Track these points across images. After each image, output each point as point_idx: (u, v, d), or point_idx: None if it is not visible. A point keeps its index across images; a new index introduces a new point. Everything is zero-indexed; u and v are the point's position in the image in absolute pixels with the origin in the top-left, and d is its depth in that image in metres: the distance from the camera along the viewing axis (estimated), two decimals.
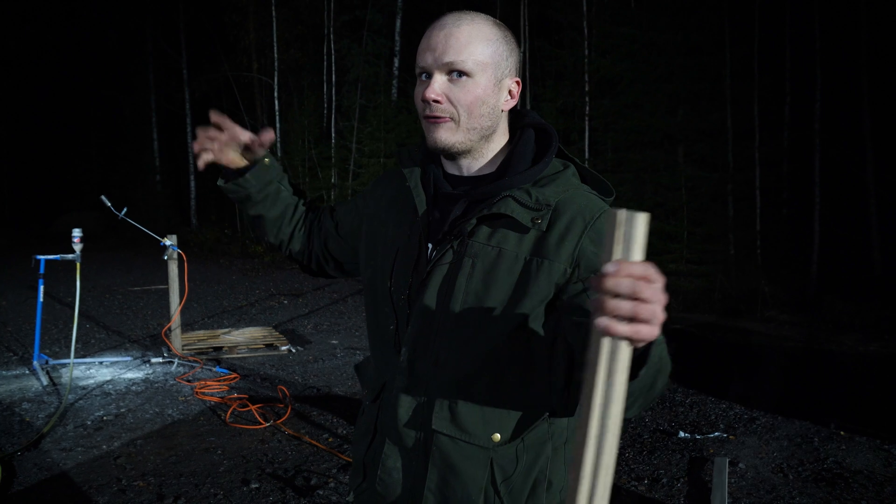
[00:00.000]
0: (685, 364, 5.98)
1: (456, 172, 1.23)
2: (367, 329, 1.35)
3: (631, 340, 0.72)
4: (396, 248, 1.23)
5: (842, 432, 4.23)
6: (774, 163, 10.14)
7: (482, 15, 1.15)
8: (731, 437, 4.19)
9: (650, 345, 0.84)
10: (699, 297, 9.12)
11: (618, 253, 0.69)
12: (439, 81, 1.12)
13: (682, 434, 4.22)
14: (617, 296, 0.70)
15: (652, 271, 0.70)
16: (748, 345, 6.90)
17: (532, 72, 13.28)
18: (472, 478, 1.15)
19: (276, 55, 16.65)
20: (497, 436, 1.15)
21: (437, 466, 1.17)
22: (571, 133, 11.93)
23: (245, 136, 1.33)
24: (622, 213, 0.68)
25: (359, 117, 14.90)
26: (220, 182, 1.38)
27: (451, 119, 1.13)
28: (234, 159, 1.35)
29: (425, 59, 1.12)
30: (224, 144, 1.32)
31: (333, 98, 15.94)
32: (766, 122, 10.11)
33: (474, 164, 1.20)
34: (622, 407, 0.72)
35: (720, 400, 4.89)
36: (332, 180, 15.33)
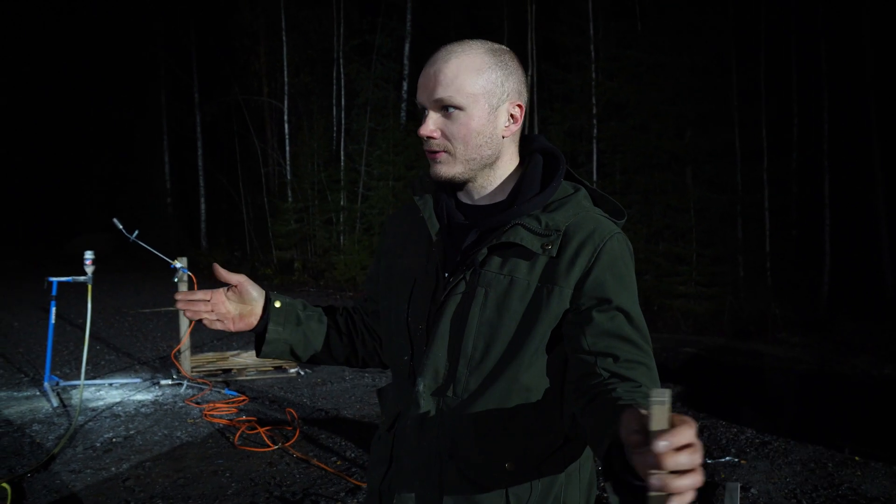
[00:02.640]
0: (695, 388, 5.92)
1: (468, 201, 1.23)
2: (386, 358, 1.34)
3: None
4: (414, 278, 1.23)
5: (856, 457, 4.17)
6: (783, 184, 10.13)
7: (476, 43, 1.15)
8: (742, 461, 4.14)
9: None
10: (709, 320, 9.07)
11: (657, 425, 0.67)
12: (433, 118, 1.14)
13: None
14: (677, 472, 0.66)
15: (693, 435, 0.67)
16: (759, 367, 6.84)
17: (539, 95, 13.36)
18: None
19: (286, 79, 16.87)
20: (512, 464, 1.13)
21: (453, 496, 1.15)
22: (579, 156, 11.97)
23: (220, 295, 1.29)
24: (656, 395, 0.67)
25: (368, 140, 15.02)
26: (258, 356, 1.36)
27: (447, 152, 1.15)
28: (242, 312, 1.30)
29: (420, 96, 1.15)
30: (211, 312, 1.28)
31: (343, 121, 16.10)
32: (774, 144, 10.12)
33: (483, 191, 1.21)
34: None
35: (731, 424, 4.84)
36: (342, 203, 15.43)
